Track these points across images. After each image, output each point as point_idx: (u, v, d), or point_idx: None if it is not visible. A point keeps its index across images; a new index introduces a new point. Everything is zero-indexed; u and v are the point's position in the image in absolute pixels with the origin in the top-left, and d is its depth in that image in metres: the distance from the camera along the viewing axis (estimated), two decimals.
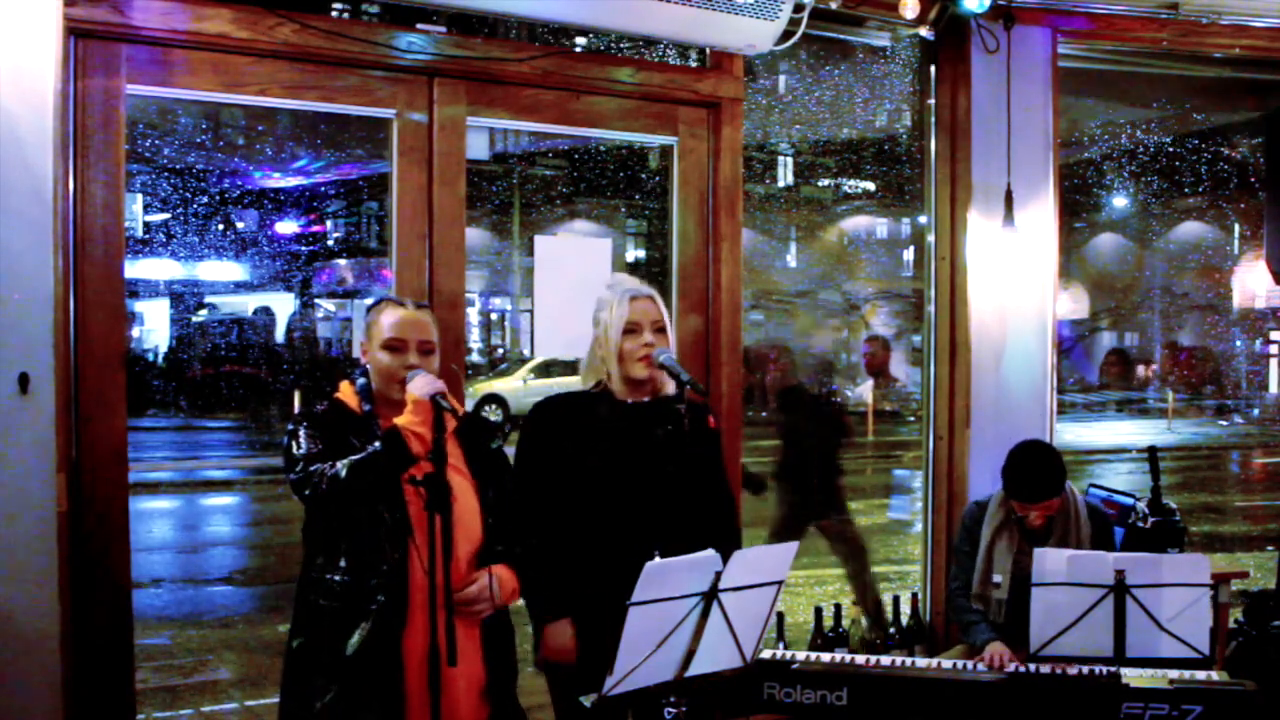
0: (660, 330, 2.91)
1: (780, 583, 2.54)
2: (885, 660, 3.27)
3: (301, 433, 2.64)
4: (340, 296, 18.43)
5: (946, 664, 3.29)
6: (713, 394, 4.01)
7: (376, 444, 2.55)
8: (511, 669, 2.83)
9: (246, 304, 16.91)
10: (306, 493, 2.59)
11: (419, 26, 3.53)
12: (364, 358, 2.75)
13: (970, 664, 3.27)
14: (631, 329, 2.88)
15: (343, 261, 18.84)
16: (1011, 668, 3.18)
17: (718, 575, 2.38)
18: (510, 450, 2.97)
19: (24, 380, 2.94)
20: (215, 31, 3.26)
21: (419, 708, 2.56)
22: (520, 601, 2.85)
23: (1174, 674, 3.04)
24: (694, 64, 4.14)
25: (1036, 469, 3.47)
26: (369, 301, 2.87)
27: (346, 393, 2.75)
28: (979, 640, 3.44)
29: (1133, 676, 3.01)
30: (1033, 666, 3.15)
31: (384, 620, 2.58)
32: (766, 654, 3.22)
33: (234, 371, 15.81)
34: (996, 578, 3.54)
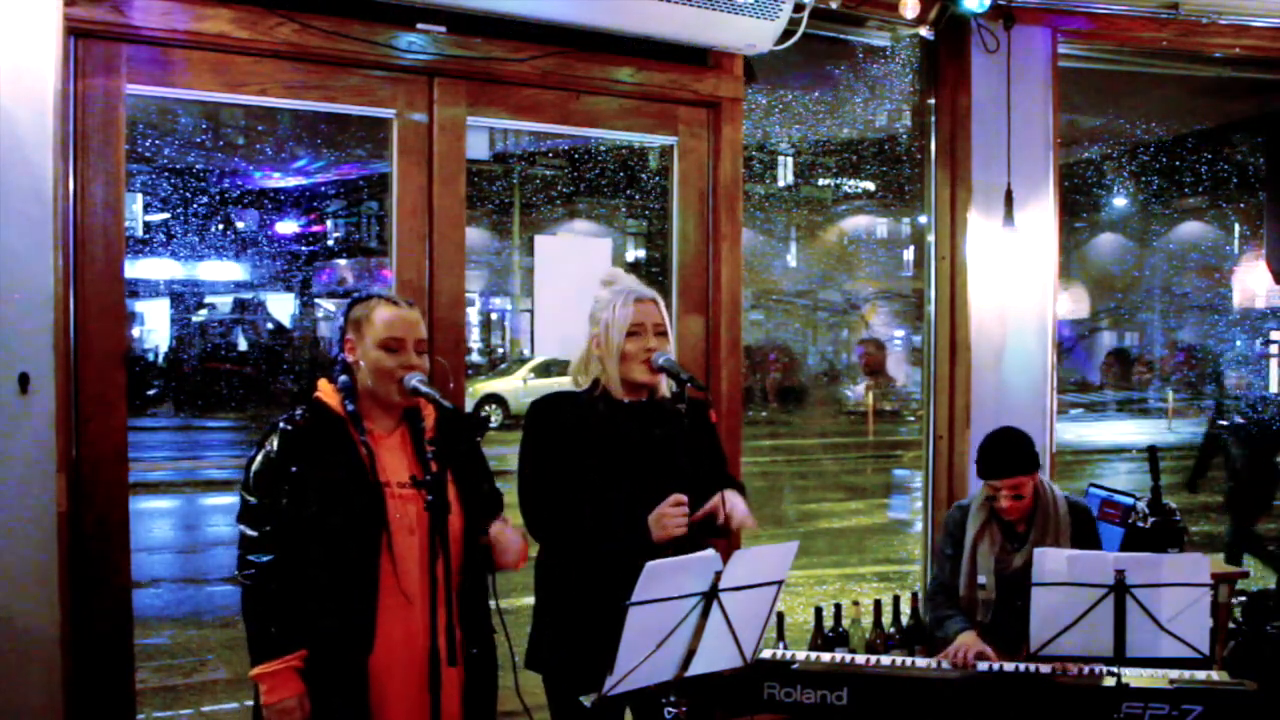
0: (661, 334, 2.90)
1: (780, 583, 2.54)
2: (885, 660, 3.28)
3: (247, 504, 2.57)
4: (340, 296, 18.42)
5: (946, 664, 3.29)
6: (713, 393, 4.01)
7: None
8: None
9: (247, 304, 16.90)
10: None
11: (419, 26, 3.53)
12: (349, 355, 2.65)
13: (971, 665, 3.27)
14: (635, 331, 2.85)
15: (343, 261, 18.84)
16: (984, 665, 3.19)
17: (718, 575, 2.38)
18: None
19: (24, 380, 2.95)
20: (215, 31, 3.26)
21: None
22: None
23: (1174, 674, 3.04)
24: (694, 64, 4.13)
25: (1003, 445, 3.51)
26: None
27: (326, 391, 2.65)
28: (951, 631, 3.44)
29: (1133, 676, 3.01)
30: (1033, 666, 3.15)
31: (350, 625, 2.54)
32: (766, 654, 3.23)
33: (234, 371, 15.81)
34: (981, 579, 3.55)
